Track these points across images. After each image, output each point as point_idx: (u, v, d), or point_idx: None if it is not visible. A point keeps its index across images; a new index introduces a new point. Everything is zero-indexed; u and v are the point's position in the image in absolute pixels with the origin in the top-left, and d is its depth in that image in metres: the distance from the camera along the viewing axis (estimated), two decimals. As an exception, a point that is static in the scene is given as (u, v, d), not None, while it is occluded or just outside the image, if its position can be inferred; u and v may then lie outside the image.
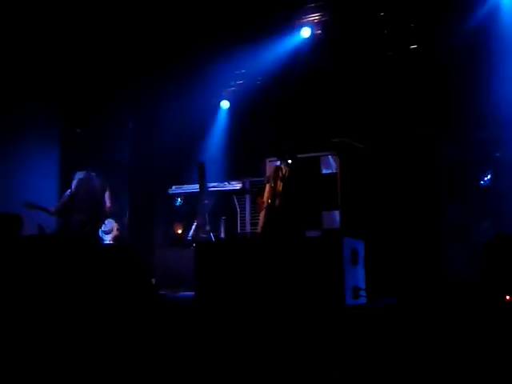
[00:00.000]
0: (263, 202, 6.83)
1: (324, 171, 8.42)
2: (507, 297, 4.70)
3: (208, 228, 8.66)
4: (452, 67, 7.75)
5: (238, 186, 8.92)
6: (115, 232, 8.37)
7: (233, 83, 9.72)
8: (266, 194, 6.76)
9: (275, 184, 6.68)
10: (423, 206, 7.67)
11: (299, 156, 7.08)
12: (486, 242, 5.19)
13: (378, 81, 8.23)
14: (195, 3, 8.30)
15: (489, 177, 6.94)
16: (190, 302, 5.95)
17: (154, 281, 9.50)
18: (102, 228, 7.83)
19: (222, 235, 9.00)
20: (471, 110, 7.52)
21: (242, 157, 9.40)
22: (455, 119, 7.77)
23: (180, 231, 9.67)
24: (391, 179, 7.83)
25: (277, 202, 6.66)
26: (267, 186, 6.78)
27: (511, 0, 7.43)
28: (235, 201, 9.19)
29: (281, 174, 6.65)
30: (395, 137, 7.94)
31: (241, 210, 9.23)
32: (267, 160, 8.68)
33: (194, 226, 9.04)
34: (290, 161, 6.57)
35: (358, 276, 5.62)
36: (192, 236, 8.99)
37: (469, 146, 7.73)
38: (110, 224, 7.99)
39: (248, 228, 9.13)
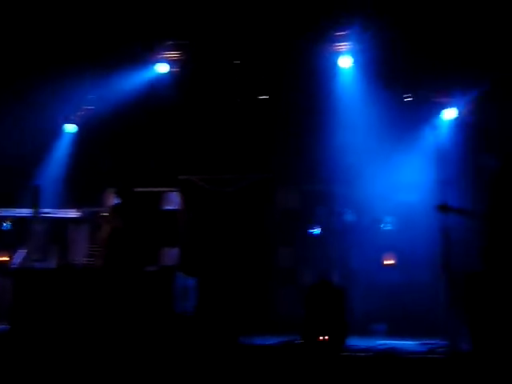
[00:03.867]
0: (104, 239, 6.81)
1: (166, 207, 8.41)
2: (320, 337, 5.03)
3: (37, 256, 8.10)
4: (296, 121, 8.36)
5: (74, 214, 8.50)
6: None
7: (82, 108, 9.37)
8: (105, 230, 6.74)
9: (113, 221, 6.67)
10: (258, 249, 8.02)
11: (141, 190, 7.09)
12: (310, 286, 5.55)
13: (227, 124, 8.55)
14: (51, 26, 7.96)
15: (318, 227, 7.51)
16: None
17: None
18: None
19: (53, 264, 8.46)
20: (309, 163, 8.13)
21: (83, 185, 8.99)
22: (294, 169, 8.34)
23: (5, 258, 8.88)
24: (230, 220, 8.10)
25: (115, 238, 6.66)
26: (106, 224, 6.77)
27: (349, 69, 8.27)
28: (71, 230, 8.72)
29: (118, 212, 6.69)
30: (238, 180, 8.26)
31: (76, 240, 8.77)
32: (108, 190, 8.42)
33: (21, 253, 8.39)
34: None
35: (188, 312, 5.65)
36: (18, 264, 8.32)
37: (303, 196, 8.32)
38: None
39: (83, 259, 8.69)
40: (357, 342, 5.75)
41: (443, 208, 5.36)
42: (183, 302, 5.48)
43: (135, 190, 7.69)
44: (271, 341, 5.63)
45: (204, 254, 7.95)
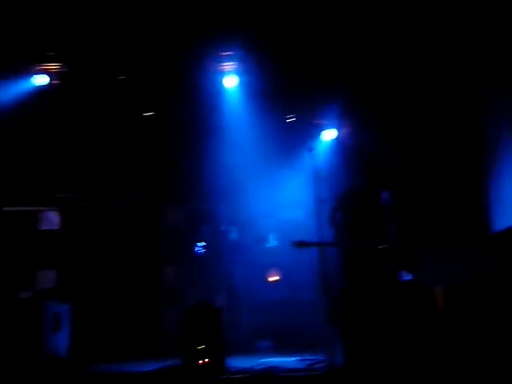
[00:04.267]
0: None
1: (43, 227, 7.94)
2: (200, 361, 4.97)
3: None
4: (181, 139, 8.30)
5: None
6: None
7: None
8: None
9: None
10: (142, 269, 7.83)
11: (15, 209, 6.63)
12: (189, 308, 5.48)
13: (110, 141, 8.28)
14: None
15: (202, 245, 7.51)
16: None
17: None
18: None
19: None
20: (194, 181, 8.09)
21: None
22: (181, 187, 8.26)
23: None
24: (114, 240, 7.84)
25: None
26: None
27: (234, 89, 8.36)
28: None
29: None
30: (121, 198, 8.03)
31: None
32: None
33: None
34: None
35: (60, 342, 5.33)
36: None
37: (190, 215, 8.26)
38: None
39: None
40: (241, 360, 5.76)
41: (299, 244, 5.56)
42: (54, 334, 5.15)
43: (8, 208, 7.22)
44: (150, 366, 5.47)
45: (85, 276, 7.61)
